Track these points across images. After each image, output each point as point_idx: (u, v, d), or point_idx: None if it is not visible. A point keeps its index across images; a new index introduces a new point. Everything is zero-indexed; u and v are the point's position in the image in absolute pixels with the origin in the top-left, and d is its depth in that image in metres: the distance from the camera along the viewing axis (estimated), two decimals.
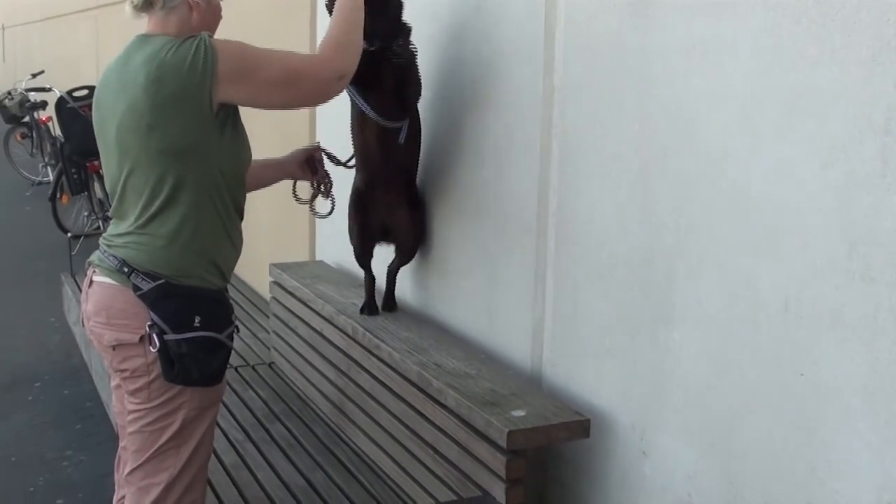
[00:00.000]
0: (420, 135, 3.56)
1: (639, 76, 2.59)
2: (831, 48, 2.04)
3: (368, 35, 3.18)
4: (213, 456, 3.39)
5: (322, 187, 3.38)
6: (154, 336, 2.66)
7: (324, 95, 2.92)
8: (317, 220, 4.71)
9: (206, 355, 2.72)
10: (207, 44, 2.63)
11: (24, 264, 8.92)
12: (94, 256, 2.83)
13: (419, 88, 3.51)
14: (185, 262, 2.72)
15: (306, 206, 3.47)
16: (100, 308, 2.78)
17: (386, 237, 3.72)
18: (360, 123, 3.50)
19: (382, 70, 3.36)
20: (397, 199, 3.62)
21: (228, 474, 3.58)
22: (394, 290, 3.78)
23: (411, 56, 3.48)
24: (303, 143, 4.69)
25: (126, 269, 2.70)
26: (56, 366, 6.39)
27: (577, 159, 2.84)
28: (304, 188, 3.48)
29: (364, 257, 3.74)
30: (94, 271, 2.81)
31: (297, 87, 2.79)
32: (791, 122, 2.13)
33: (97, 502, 4.53)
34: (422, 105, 3.46)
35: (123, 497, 3.01)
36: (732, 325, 2.33)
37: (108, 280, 2.75)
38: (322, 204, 3.42)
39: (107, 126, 2.76)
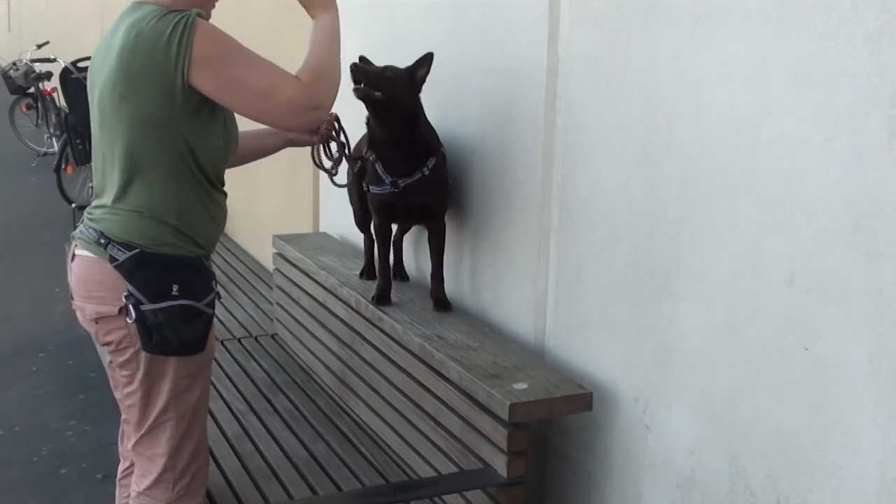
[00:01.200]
0: (443, 242, 3.47)
1: (644, 47, 2.56)
2: (838, 19, 2.02)
3: (390, 166, 3.25)
4: (215, 426, 3.40)
5: (339, 152, 3.29)
6: (130, 307, 2.64)
7: (292, 121, 2.81)
8: (321, 191, 4.70)
9: (184, 324, 2.68)
10: (190, 21, 2.55)
11: (29, 235, 8.92)
12: (77, 229, 2.81)
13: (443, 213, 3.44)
14: (158, 231, 2.67)
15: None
16: (80, 281, 2.76)
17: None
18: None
19: (403, 204, 3.34)
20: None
21: (230, 445, 3.58)
22: (401, 259, 3.76)
23: (443, 187, 3.39)
24: None
25: (103, 241, 2.67)
26: (60, 336, 6.40)
27: (582, 132, 2.82)
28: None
29: (364, 222, 3.72)
30: (76, 245, 2.79)
31: (266, 102, 2.64)
32: (797, 95, 2.11)
33: (101, 471, 4.54)
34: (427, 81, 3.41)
35: (129, 467, 3.03)
36: (736, 299, 2.32)
37: (87, 253, 2.73)
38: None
39: (93, 94, 2.74)
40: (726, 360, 2.36)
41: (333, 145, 3.24)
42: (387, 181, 3.29)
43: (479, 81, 3.30)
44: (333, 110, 3.34)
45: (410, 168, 3.26)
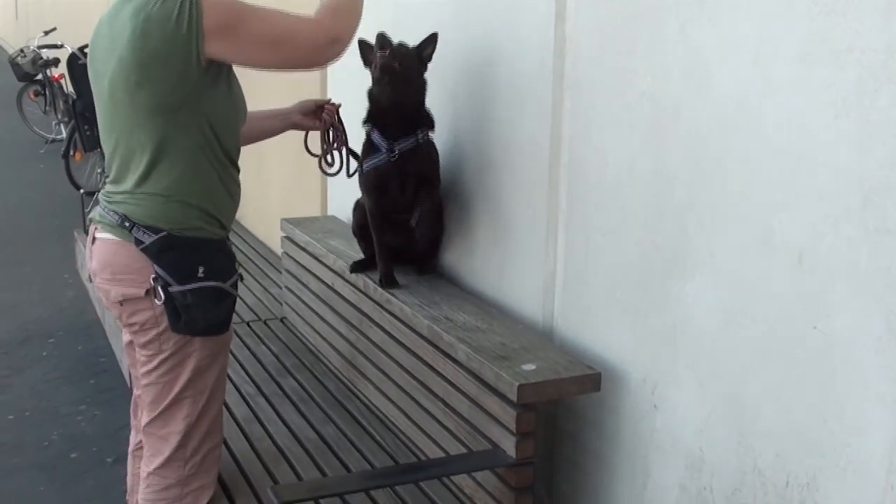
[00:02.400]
0: (440, 216, 3.55)
1: (651, 26, 2.55)
2: None
3: (388, 132, 3.28)
4: (224, 410, 3.41)
5: (334, 141, 3.38)
6: (159, 289, 2.67)
7: (316, 59, 2.85)
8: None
9: (212, 305, 2.74)
10: None
11: (38, 221, 8.94)
12: (95, 213, 2.83)
13: (437, 185, 3.47)
14: (184, 216, 2.73)
15: (316, 163, 3.46)
16: (104, 264, 2.79)
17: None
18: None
19: (398, 175, 3.37)
20: (405, 220, 3.49)
21: (240, 428, 3.58)
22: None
23: (435, 156, 3.45)
24: (312, 84, 4.67)
25: (127, 224, 2.71)
26: (70, 322, 6.43)
27: (589, 112, 2.81)
28: (315, 141, 3.47)
29: (361, 228, 3.73)
30: (97, 228, 2.82)
31: (287, 47, 2.73)
32: (805, 72, 2.10)
33: (111, 455, 4.56)
34: (432, 61, 3.41)
35: (141, 441, 3.06)
36: (745, 278, 2.31)
37: (109, 236, 2.76)
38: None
39: (100, 83, 2.75)
40: (735, 340, 2.36)
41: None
42: (383, 148, 3.34)
43: (486, 62, 3.28)
44: (336, 100, 3.39)
45: (406, 134, 3.35)
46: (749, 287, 2.30)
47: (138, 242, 2.70)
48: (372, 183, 3.43)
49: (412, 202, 3.39)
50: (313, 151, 3.48)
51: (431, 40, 3.32)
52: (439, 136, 3.46)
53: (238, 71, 2.83)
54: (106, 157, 2.82)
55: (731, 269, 2.35)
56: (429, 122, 3.41)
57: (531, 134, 3.06)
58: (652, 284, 2.62)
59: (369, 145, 3.41)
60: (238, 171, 2.89)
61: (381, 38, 3.23)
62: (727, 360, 2.39)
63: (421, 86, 3.37)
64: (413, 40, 3.30)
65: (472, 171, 3.42)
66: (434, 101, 3.40)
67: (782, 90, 2.16)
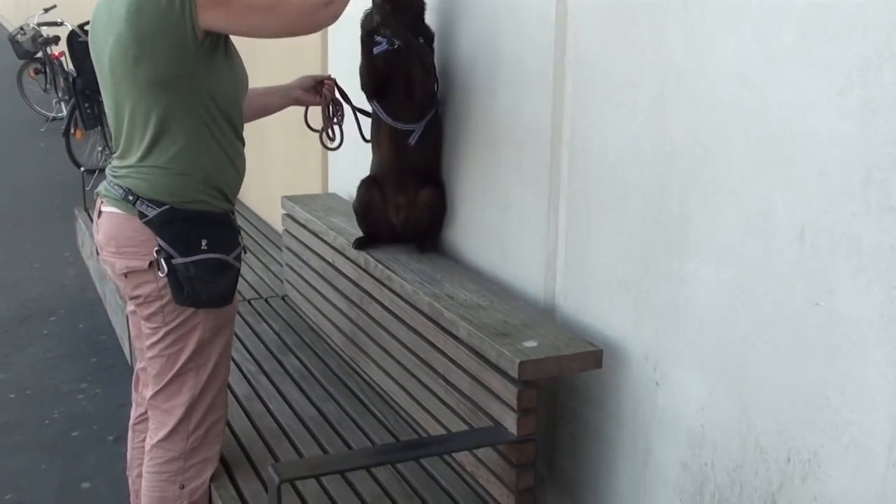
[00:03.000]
0: (439, 138, 3.55)
1: (653, 0, 2.53)
2: None
3: (387, 33, 3.27)
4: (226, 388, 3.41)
5: (334, 116, 3.38)
6: (162, 261, 2.70)
7: (310, 23, 2.84)
8: (329, 151, 4.69)
9: (215, 277, 2.77)
10: None
11: (38, 200, 8.93)
12: (101, 187, 2.88)
13: (434, 92, 3.47)
14: (188, 189, 2.76)
15: (317, 139, 3.46)
16: (109, 237, 2.83)
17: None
18: (375, 122, 3.51)
19: (397, 72, 3.35)
20: (408, 200, 3.56)
21: (241, 406, 3.59)
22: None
23: (431, 57, 3.43)
24: (313, 66, 4.65)
25: (131, 198, 2.75)
26: (71, 300, 6.43)
27: (591, 87, 2.79)
28: (316, 118, 3.46)
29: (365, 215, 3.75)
30: (102, 201, 2.86)
31: (280, 12, 2.73)
32: (808, 47, 2.09)
33: (112, 433, 4.57)
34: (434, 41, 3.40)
35: (142, 414, 3.10)
36: (747, 255, 2.30)
37: (115, 209, 2.80)
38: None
39: (101, 60, 2.79)
40: (737, 317, 2.35)
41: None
42: (383, 43, 3.35)
43: (488, 37, 3.27)
44: (332, 75, 3.39)
45: (423, 113, 3.39)
46: (751, 264, 2.29)
47: (142, 216, 2.75)
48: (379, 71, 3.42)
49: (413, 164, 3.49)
50: (314, 127, 3.47)
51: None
52: (443, 117, 3.45)
53: (238, 45, 2.82)
54: (112, 132, 2.85)
55: (733, 246, 2.34)
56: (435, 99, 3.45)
57: (533, 110, 3.05)
58: (654, 261, 2.61)
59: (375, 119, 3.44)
60: (243, 143, 2.91)
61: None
62: (729, 338, 2.38)
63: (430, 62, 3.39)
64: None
65: (474, 148, 3.40)
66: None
67: (785, 66, 2.15)
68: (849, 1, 1.98)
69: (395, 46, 3.29)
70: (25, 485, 4.19)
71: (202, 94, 2.72)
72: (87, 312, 6.14)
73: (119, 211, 2.79)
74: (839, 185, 2.04)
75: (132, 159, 2.77)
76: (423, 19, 3.41)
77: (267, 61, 4.83)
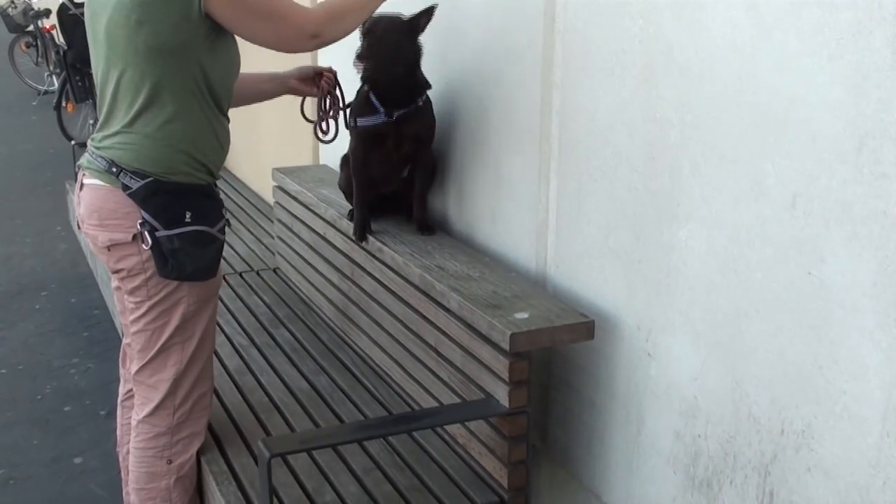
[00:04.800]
0: (434, 171, 3.52)
1: None
2: None
3: (383, 98, 3.23)
4: (216, 361, 3.40)
5: (330, 109, 3.37)
6: (146, 233, 2.68)
7: (294, 45, 2.87)
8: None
9: (199, 249, 2.76)
10: None
11: (30, 174, 8.90)
12: (84, 159, 2.85)
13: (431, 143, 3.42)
14: (172, 160, 2.74)
15: (312, 128, 3.44)
16: (91, 210, 2.81)
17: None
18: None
19: (395, 140, 3.32)
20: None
21: (232, 379, 3.57)
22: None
23: (431, 118, 3.38)
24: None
25: (114, 170, 2.73)
26: (62, 274, 6.41)
27: (581, 56, 2.76)
28: (311, 107, 3.45)
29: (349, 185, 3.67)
30: (84, 174, 2.84)
31: (277, 25, 2.74)
32: (798, 11, 2.05)
33: (104, 408, 4.56)
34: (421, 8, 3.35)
35: (130, 390, 3.10)
36: (739, 223, 2.27)
37: (97, 182, 2.78)
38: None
39: (97, 23, 2.76)
40: (729, 286, 2.33)
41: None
42: (381, 111, 3.27)
43: (478, 7, 3.23)
44: (335, 68, 3.36)
45: (406, 101, 3.28)
46: (743, 232, 2.26)
47: (125, 188, 2.74)
48: (362, 136, 3.37)
49: (405, 158, 3.39)
50: (309, 118, 3.46)
51: (427, 13, 3.21)
52: (433, 90, 3.41)
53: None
54: (98, 100, 2.83)
55: (725, 214, 2.31)
56: (424, 85, 3.34)
57: (522, 79, 3.01)
58: (645, 230, 2.58)
59: (365, 105, 3.33)
60: (228, 120, 2.89)
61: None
62: (721, 307, 2.36)
63: (415, 57, 3.27)
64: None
65: (464, 118, 3.37)
66: (426, 49, 3.34)
67: (775, 31, 2.11)
68: None
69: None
70: (18, 460, 4.18)
71: (197, 67, 2.71)
72: (79, 287, 6.12)
73: (102, 183, 2.77)
74: (831, 151, 2.01)
75: (117, 125, 2.75)
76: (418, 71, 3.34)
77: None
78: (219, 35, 2.72)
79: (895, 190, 1.89)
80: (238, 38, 2.82)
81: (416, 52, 3.27)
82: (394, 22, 3.19)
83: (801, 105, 2.07)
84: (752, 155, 2.21)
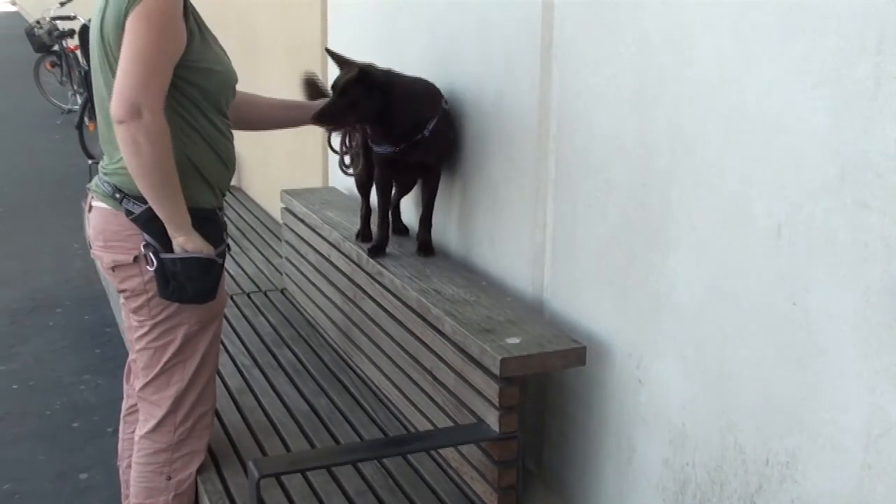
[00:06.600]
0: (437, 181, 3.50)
1: None
2: None
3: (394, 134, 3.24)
4: (218, 381, 3.42)
5: (352, 142, 3.49)
6: (150, 255, 2.71)
7: (115, 104, 2.58)
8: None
9: (200, 274, 2.79)
10: None
11: (51, 191, 8.97)
12: (93, 182, 2.91)
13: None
14: None
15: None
16: (97, 232, 2.87)
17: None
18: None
19: (403, 166, 3.36)
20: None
21: (233, 399, 3.59)
22: (399, 213, 3.75)
23: (443, 148, 3.39)
24: (314, 65, 4.63)
25: (118, 196, 2.77)
26: (77, 291, 6.44)
27: (577, 81, 2.76)
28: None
29: (364, 184, 3.68)
30: (93, 196, 2.89)
31: (124, 84, 2.56)
32: (783, 41, 2.05)
33: (112, 424, 4.55)
34: (422, 34, 3.37)
35: (133, 405, 3.13)
36: (725, 251, 2.27)
37: (103, 205, 2.84)
38: None
39: (92, 53, 2.82)
40: (716, 314, 2.32)
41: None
42: (387, 143, 3.30)
43: (476, 32, 3.24)
44: None
45: (407, 136, 3.26)
46: (729, 260, 2.26)
47: (128, 213, 2.77)
48: (379, 161, 3.40)
49: (412, 182, 3.53)
50: (335, 147, 3.55)
51: (374, 68, 3.20)
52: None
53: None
54: (100, 131, 2.85)
55: (712, 242, 2.31)
56: (428, 110, 3.28)
57: (520, 104, 3.02)
58: (636, 256, 2.58)
59: (375, 135, 3.34)
60: (229, 137, 2.90)
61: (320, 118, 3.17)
62: (709, 335, 2.35)
63: (383, 103, 3.17)
64: (406, 17, 3.26)
65: (462, 142, 3.38)
66: (425, 73, 3.36)
67: (762, 60, 2.11)
68: None
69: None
70: (23, 475, 4.20)
71: (179, 87, 2.70)
72: (93, 304, 6.15)
73: (107, 206, 2.83)
74: (815, 179, 2.01)
75: (118, 153, 2.75)
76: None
77: (269, 56, 4.81)
78: (189, 51, 2.69)
79: (876, 220, 1.88)
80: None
81: (384, 98, 3.17)
82: (347, 76, 3.16)
83: (786, 133, 2.07)
84: (738, 182, 2.21)
